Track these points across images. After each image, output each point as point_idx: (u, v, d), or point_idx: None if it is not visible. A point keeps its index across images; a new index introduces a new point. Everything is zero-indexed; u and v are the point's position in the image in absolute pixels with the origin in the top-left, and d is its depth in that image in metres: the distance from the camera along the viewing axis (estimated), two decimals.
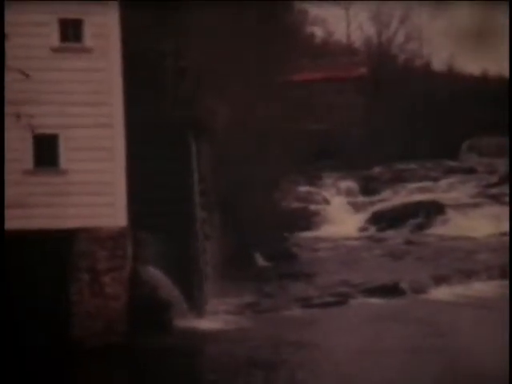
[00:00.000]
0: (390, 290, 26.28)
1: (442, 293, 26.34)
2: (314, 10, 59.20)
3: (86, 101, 19.44)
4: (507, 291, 26.10)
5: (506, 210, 43.21)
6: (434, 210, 44.22)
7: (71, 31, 19.63)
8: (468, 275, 28.65)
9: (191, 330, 20.41)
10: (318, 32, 68.19)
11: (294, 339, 20.09)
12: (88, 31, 19.61)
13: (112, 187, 19.55)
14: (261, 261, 32.31)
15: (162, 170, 21.46)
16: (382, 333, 20.81)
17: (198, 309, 21.84)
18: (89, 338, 18.89)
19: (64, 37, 19.58)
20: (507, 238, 38.81)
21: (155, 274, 20.48)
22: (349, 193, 50.17)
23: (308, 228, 43.29)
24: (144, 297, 19.72)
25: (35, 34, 19.29)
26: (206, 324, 21.21)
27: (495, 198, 46.49)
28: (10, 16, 18.49)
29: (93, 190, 19.40)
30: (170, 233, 21.20)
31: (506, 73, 59.89)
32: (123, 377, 17.61)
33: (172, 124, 21.85)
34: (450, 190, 49.90)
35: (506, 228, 40.59)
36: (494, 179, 52.45)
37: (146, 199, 20.54)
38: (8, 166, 18.75)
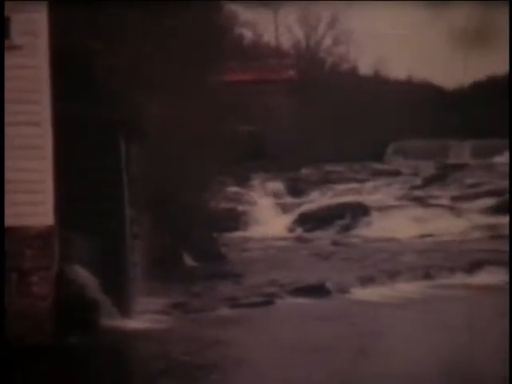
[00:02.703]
0: (316, 290, 26.64)
1: (366, 293, 26.78)
2: (243, 13, 59.44)
3: (15, 98, 19.23)
4: (432, 292, 26.73)
5: (429, 212, 44.21)
6: (359, 212, 44.86)
7: None
8: (392, 276, 29.19)
9: (118, 329, 20.35)
10: (248, 34, 68.53)
11: (220, 338, 20.23)
12: (16, 28, 19.38)
13: (41, 186, 19.37)
14: (189, 261, 32.34)
15: (91, 168, 21.34)
16: (305, 332, 21.11)
17: (125, 308, 21.77)
18: (17, 338, 18.67)
19: None
20: (430, 240, 39.75)
21: (82, 273, 20.37)
22: (276, 194, 50.57)
23: (236, 228, 43.51)
24: (71, 296, 19.58)
25: None
26: (133, 324, 21.18)
27: (419, 200, 47.40)
28: None
29: (22, 189, 19.19)
30: (99, 232, 21.09)
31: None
32: (51, 377, 17.49)
33: (101, 123, 21.75)
34: (376, 192, 50.71)
35: (429, 230, 41.52)
36: (417, 181, 53.50)
37: (75, 198, 20.40)
38: None
